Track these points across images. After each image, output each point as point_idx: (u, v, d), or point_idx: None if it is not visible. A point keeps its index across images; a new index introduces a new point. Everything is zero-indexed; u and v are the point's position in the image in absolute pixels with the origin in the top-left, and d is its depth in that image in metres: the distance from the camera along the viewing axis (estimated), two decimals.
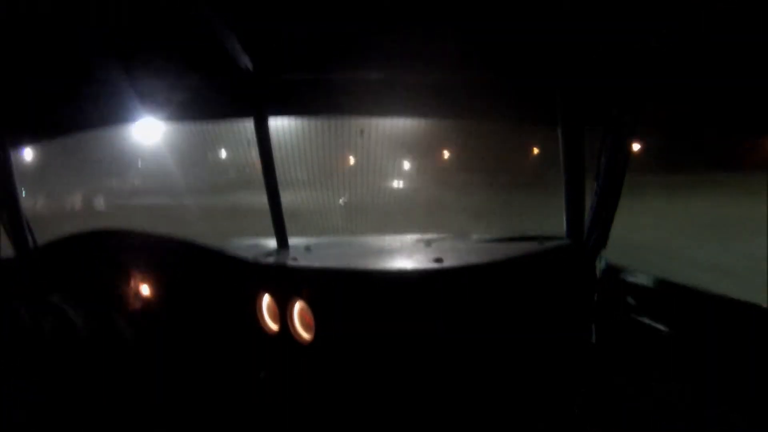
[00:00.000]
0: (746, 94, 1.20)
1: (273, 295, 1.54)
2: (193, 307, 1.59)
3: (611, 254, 1.57)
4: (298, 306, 1.50)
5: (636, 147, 1.50)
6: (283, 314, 1.52)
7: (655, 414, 1.28)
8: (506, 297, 1.52)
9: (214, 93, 1.55)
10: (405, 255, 1.73)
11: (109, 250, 1.62)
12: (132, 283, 1.59)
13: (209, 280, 1.60)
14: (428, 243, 1.86)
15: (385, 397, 1.49)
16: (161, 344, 1.53)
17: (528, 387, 1.53)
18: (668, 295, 1.33)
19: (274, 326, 1.55)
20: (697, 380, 1.20)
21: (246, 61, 1.36)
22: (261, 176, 1.65)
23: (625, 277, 1.47)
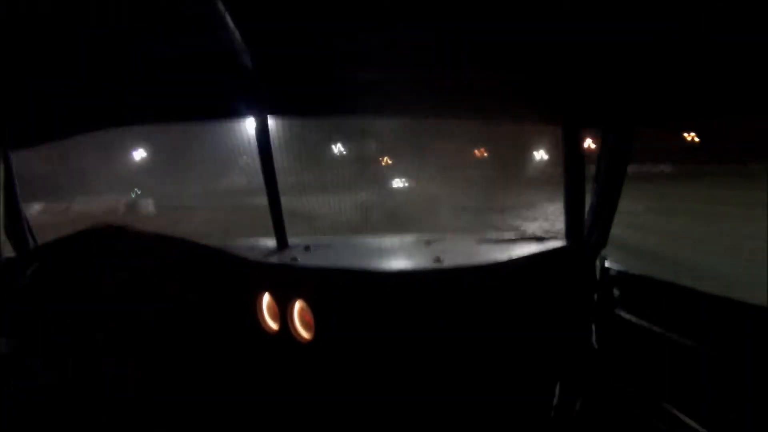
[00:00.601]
0: (746, 93, 1.20)
1: (273, 294, 1.54)
2: (193, 307, 1.59)
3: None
4: (298, 306, 1.51)
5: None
6: (283, 314, 1.52)
7: (655, 414, 1.28)
8: (506, 297, 1.53)
9: (214, 93, 1.55)
10: (404, 255, 1.74)
11: (109, 250, 1.62)
12: (132, 282, 1.60)
13: (209, 279, 1.60)
14: (428, 243, 1.86)
15: (384, 396, 1.49)
16: (161, 343, 1.53)
17: (528, 387, 1.53)
18: (668, 295, 1.33)
19: (274, 326, 1.55)
20: (696, 380, 1.20)
21: (247, 61, 1.36)
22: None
23: (624, 276, 1.47)
